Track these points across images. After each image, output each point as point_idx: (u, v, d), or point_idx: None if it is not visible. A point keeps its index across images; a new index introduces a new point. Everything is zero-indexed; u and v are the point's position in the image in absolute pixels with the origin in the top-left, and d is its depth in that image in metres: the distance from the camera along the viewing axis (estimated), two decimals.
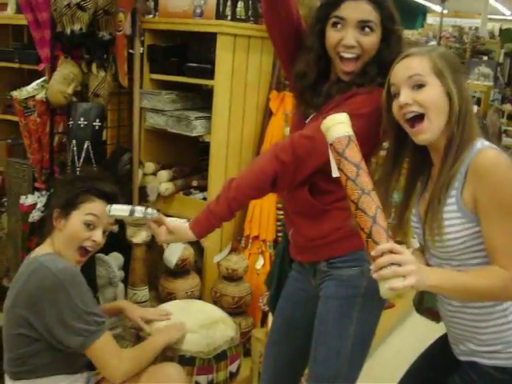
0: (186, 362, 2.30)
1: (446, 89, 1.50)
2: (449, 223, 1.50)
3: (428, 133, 1.52)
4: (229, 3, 3.09)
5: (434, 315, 1.91)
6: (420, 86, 1.51)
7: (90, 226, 2.06)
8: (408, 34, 14.32)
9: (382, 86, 1.63)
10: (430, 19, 18.69)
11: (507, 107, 9.41)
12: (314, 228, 1.89)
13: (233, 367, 2.46)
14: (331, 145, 1.42)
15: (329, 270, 1.91)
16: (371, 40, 1.72)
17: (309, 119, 1.85)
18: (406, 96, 1.52)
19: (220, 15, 2.97)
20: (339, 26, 1.73)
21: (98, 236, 2.08)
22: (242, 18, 3.15)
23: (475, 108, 7.39)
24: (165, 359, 2.25)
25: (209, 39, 2.87)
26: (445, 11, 8.11)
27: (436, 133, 1.52)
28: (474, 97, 7.72)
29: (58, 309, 1.88)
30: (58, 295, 1.88)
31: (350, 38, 1.70)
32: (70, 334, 1.90)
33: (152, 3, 3.22)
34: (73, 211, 2.04)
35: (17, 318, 1.93)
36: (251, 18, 3.10)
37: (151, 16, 3.19)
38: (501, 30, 9.93)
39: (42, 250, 2.04)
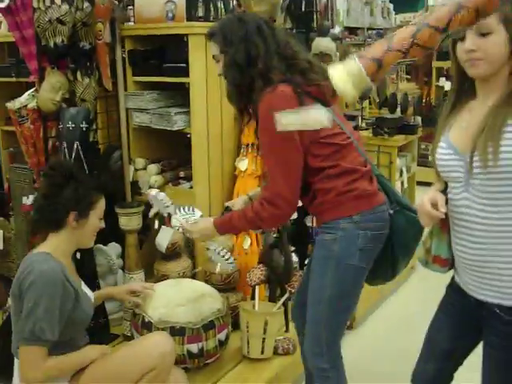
0: (177, 332, 2.56)
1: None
2: (505, 149, 1.60)
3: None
4: (200, 4, 3.33)
5: (443, 264, 1.92)
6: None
7: (101, 218, 2.35)
8: (409, 16, 14.33)
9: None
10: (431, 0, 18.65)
11: None
12: None
13: (221, 336, 2.69)
14: None
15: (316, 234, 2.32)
16: (219, 66, 2.19)
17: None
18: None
19: (192, 16, 3.21)
20: None
21: (103, 223, 2.38)
22: (214, 17, 3.39)
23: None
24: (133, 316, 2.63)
25: (183, 39, 3.13)
26: None
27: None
28: None
29: (27, 301, 2.07)
30: (30, 292, 2.06)
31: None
32: (20, 324, 2.09)
33: (130, 11, 3.46)
34: (91, 211, 2.28)
35: (14, 305, 2.17)
36: (220, 18, 3.34)
37: (130, 23, 3.43)
38: None
39: (40, 249, 2.22)
